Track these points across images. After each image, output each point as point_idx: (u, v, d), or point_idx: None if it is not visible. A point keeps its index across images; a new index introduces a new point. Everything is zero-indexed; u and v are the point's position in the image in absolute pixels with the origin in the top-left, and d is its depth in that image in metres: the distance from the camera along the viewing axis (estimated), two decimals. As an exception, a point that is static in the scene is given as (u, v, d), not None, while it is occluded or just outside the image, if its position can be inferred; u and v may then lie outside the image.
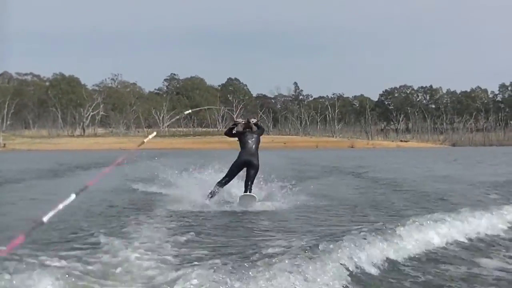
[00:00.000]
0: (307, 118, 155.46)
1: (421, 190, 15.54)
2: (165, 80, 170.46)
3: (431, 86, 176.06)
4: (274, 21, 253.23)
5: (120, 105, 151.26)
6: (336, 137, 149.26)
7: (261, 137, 13.01)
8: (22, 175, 23.56)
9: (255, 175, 12.61)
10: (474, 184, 17.49)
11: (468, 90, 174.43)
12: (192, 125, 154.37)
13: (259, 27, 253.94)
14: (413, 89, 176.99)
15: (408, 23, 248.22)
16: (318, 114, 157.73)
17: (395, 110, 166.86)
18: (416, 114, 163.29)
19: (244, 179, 12.62)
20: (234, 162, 12.68)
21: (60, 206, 3.27)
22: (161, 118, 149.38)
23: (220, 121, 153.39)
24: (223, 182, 12.57)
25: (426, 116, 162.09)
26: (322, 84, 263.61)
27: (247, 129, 12.86)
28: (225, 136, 13.60)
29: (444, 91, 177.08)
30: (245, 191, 12.28)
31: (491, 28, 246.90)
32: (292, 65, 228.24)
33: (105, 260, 5.86)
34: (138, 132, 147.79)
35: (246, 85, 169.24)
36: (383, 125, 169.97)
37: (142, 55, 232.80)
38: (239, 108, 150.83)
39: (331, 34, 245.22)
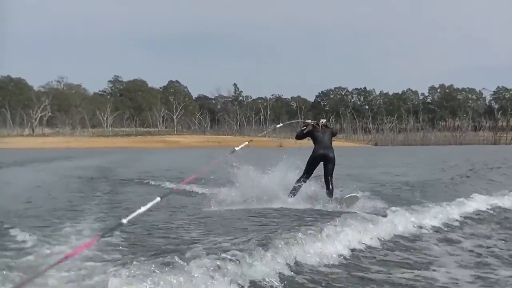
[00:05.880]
0: (243, 119, 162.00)
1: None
2: (109, 82, 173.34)
3: (365, 88, 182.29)
4: (216, 23, 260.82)
5: (66, 107, 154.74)
6: (267, 136, 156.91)
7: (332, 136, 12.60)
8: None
9: (333, 169, 12.22)
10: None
11: (400, 92, 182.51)
12: (135, 125, 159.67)
13: (200, 29, 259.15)
14: (347, 91, 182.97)
15: (347, 29, 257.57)
16: (253, 115, 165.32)
17: (331, 111, 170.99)
18: (348, 115, 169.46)
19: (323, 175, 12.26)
20: (310, 156, 12.29)
21: (142, 209, 3.20)
22: (105, 119, 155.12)
23: (160, 121, 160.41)
24: (302, 179, 12.31)
25: (355, 117, 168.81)
26: (263, 86, 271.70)
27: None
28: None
29: (378, 92, 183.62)
30: (327, 188, 12.02)
31: (422, 35, 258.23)
32: (233, 67, 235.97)
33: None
34: (84, 132, 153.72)
35: (186, 87, 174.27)
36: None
37: (86, 57, 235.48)
38: (179, 109, 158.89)
39: (272, 36, 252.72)
